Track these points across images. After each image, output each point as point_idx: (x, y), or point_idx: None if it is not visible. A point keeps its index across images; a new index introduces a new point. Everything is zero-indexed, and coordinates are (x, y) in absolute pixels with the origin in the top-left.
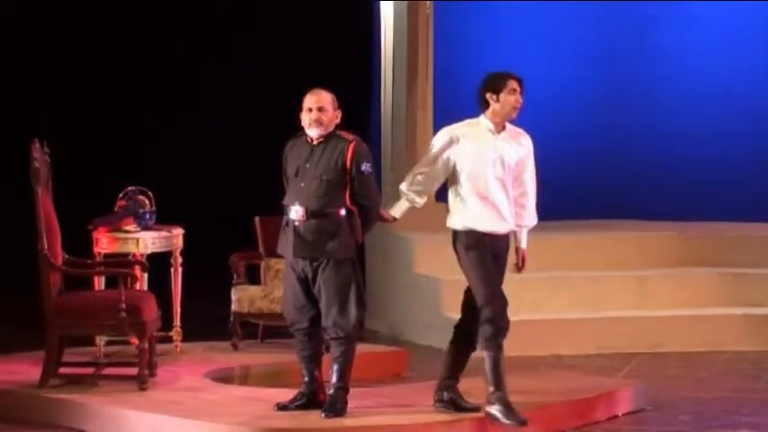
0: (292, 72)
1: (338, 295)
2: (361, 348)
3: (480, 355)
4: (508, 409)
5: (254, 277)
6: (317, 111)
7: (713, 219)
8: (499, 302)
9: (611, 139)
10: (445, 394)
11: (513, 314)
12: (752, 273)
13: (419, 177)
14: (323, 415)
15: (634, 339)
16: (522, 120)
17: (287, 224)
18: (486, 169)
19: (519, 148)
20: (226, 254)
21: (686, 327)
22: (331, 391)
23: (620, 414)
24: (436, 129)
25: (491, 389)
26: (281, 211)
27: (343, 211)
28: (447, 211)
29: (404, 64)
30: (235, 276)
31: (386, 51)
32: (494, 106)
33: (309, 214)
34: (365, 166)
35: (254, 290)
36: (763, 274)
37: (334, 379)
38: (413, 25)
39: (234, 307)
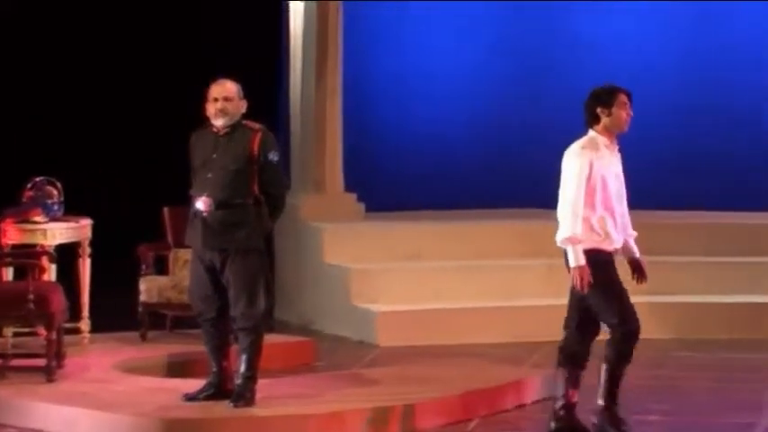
0: (198, 62)
1: (246, 285)
2: (270, 338)
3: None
4: None
5: (162, 268)
6: (223, 101)
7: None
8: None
9: (525, 128)
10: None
11: (423, 303)
12: (658, 260)
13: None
14: (231, 405)
15: (543, 328)
16: (434, 109)
17: (195, 215)
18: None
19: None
20: (134, 244)
21: None
22: (239, 381)
23: (528, 402)
24: (345, 118)
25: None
26: (190, 201)
27: (250, 201)
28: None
29: (312, 53)
30: (143, 267)
31: (295, 40)
32: (605, 121)
33: (217, 205)
34: (272, 155)
35: (162, 280)
36: (664, 261)
37: (242, 369)
38: (322, 14)
39: (142, 297)
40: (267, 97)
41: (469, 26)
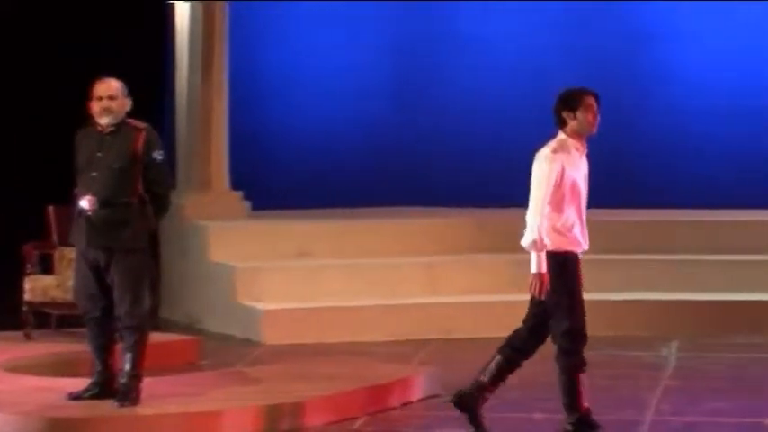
0: (83, 61)
1: (131, 284)
2: (155, 337)
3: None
4: None
5: (47, 267)
6: (108, 99)
7: (505, 205)
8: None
9: (405, 126)
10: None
11: (309, 301)
12: None
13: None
14: (116, 404)
15: (427, 325)
16: (322, 108)
17: (79, 214)
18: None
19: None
20: (18, 243)
21: (478, 312)
22: (124, 380)
23: (414, 400)
24: (231, 117)
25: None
26: (74, 200)
27: (135, 200)
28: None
29: (199, 52)
30: (27, 266)
31: (181, 39)
32: (572, 124)
33: (102, 203)
34: (157, 154)
35: (47, 279)
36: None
37: (127, 368)
38: (208, 14)
39: (27, 296)
40: (153, 96)
41: (359, 25)
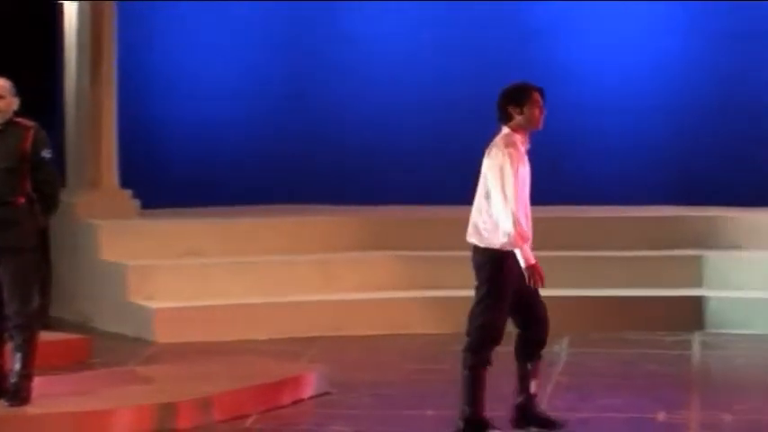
0: None
1: (20, 284)
2: (46, 336)
3: None
4: None
5: None
6: None
7: (391, 203)
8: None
9: (293, 124)
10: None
11: (200, 300)
12: (431, 255)
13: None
14: (6, 404)
15: (317, 323)
16: (212, 106)
17: None
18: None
19: None
20: None
21: (368, 310)
22: (14, 380)
23: (305, 398)
24: (121, 115)
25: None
26: None
27: (23, 200)
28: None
29: (87, 51)
30: None
31: (69, 38)
32: (518, 119)
33: None
34: (45, 153)
35: None
36: (441, 256)
37: (17, 367)
38: (96, 13)
39: None
40: (42, 95)
41: (246, 25)
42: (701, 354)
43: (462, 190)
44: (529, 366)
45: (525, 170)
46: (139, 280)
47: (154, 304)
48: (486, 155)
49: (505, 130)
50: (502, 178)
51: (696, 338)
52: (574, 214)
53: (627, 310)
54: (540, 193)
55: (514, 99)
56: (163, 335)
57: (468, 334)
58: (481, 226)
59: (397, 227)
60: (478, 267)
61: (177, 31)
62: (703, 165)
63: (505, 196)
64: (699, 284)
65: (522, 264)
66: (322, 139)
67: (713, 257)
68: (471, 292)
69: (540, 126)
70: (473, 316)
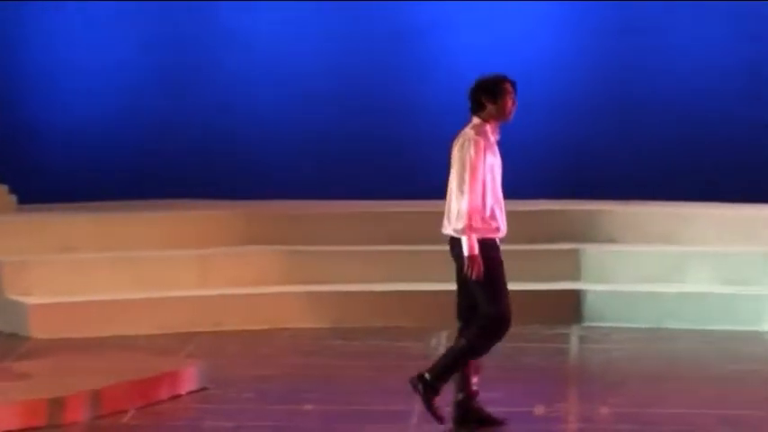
0: None
1: None
2: None
3: None
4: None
5: None
6: None
7: (271, 197)
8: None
9: (171, 121)
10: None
11: (77, 295)
12: (310, 250)
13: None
14: None
15: (196, 318)
16: (88, 102)
17: None
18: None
19: None
20: None
21: (247, 305)
22: None
23: (183, 393)
24: None
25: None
26: None
27: None
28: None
29: None
30: None
31: None
32: (490, 109)
33: None
34: None
35: None
36: (320, 251)
37: None
38: None
39: None
40: None
41: (121, 22)
42: (579, 347)
43: (341, 185)
44: (469, 363)
45: (496, 161)
46: (15, 275)
47: (29, 300)
48: (454, 145)
49: (476, 120)
50: (466, 167)
51: (574, 332)
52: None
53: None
54: (420, 190)
55: (489, 90)
56: (39, 331)
57: (482, 318)
58: (452, 216)
59: (275, 221)
60: (454, 257)
61: (53, 27)
62: (581, 159)
63: (464, 184)
64: (577, 278)
65: (465, 251)
66: (202, 136)
67: (591, 251)
68: (349, 287)
69: (511, 118)
70: (483, 305)
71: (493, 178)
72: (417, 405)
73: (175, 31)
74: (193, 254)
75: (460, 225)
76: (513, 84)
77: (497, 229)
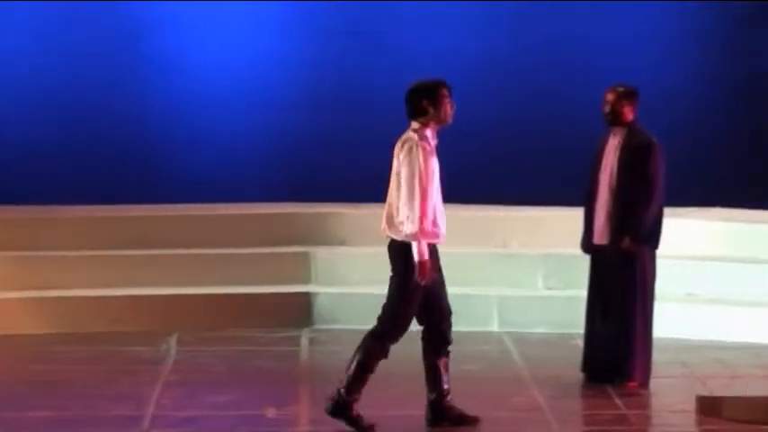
0: None
1: None
2: None
3: None
4: None
5: None
6: None
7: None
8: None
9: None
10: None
11: None
12: (35, 255)
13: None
14: None
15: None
16: None
17: None
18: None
19: None
20: None
21: None
22: None
23: None
24: None
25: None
26: None
27: None
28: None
29: None
30: None
31: None
32: (431, 113)
33: None
34: None
35: None
36: (45, 256)
37: None
38: None
39: None
40: None
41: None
42: (310, 350)
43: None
44: (438, 363)
45: (437, 165)
46: None
47: None
48: (397, 149)
49: (415, 124)
50: (416, 172)
51: (305, 334)
52: (183, 212)
53: (236, 307)
54: (147, 192)
55: (428, 94)
56: None
57: (380, 321)
58: (397, 220)
59: (4, 227)
60: (395, 260)
61: None
62: (309, 161)
63: (414, 190)
64: (307, 281)
65: (416, 257)
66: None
67: (321, 254)
68: (75, 292)
69: (450, 121)
70: (388, 307)
71: (436, 183)
72: (150, 409)
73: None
74: None
75: (411, 230)
76: (449, 87)
77: (440, 235)
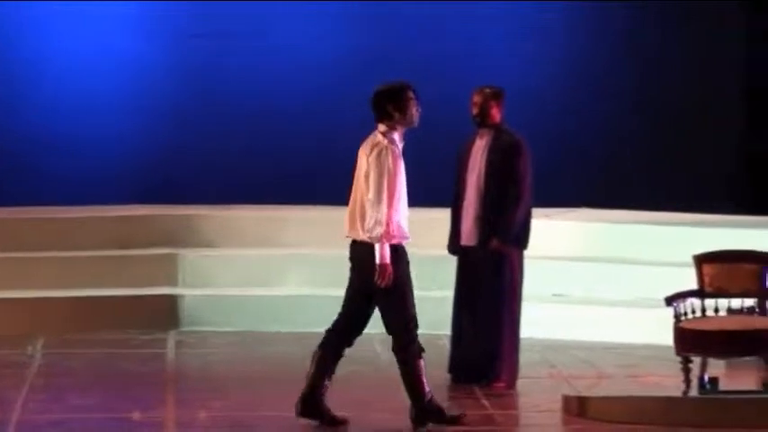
0: None
1: None
2: None
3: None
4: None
5: None
6: None
7: None
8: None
9: None
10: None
11: None
12: None
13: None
14: None
15: None
16: None
17: None
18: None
19: None
20: None
21: None
22: None
23: None
24: None
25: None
26: None
27: None
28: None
29: None
30: None
31: None
32: (397, 117)
33: None
34: None
35: None
36: None
37: None
38: None
39: None
40: None
41: None
42: (177, 352)
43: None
44: (331, 364)
45: (403, 167)
46: None
47: None
48: (363, 152)
49: (382, 127)
50: (384, 175)
51: (171, 337)
52: (44, 215)
53: (101, 310)
54: (7, 194)
55: (393, 98)
56: None
57: (394, 336)
58: (367, 222)
59: None
60: (361, 262)
61: None
62: (173, 164)
63: (382, 193)
64: (174, 283)
65: (378, 260)
66: None
67: (188, 256)
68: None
69: (417, 124)
70: (391, 315)
71: (403, 185)
72: (15, 414)
73: None
74: None
75: (377, 233)
76: (416, 91)
77: (406, 235)
